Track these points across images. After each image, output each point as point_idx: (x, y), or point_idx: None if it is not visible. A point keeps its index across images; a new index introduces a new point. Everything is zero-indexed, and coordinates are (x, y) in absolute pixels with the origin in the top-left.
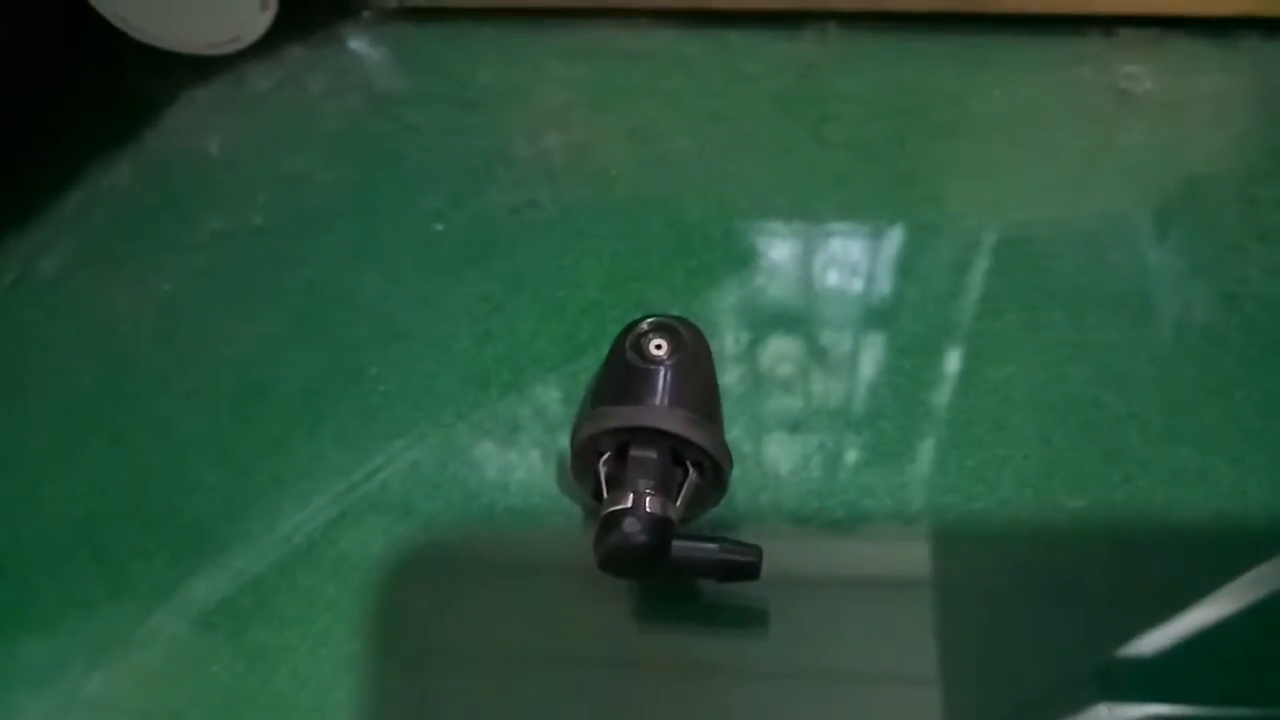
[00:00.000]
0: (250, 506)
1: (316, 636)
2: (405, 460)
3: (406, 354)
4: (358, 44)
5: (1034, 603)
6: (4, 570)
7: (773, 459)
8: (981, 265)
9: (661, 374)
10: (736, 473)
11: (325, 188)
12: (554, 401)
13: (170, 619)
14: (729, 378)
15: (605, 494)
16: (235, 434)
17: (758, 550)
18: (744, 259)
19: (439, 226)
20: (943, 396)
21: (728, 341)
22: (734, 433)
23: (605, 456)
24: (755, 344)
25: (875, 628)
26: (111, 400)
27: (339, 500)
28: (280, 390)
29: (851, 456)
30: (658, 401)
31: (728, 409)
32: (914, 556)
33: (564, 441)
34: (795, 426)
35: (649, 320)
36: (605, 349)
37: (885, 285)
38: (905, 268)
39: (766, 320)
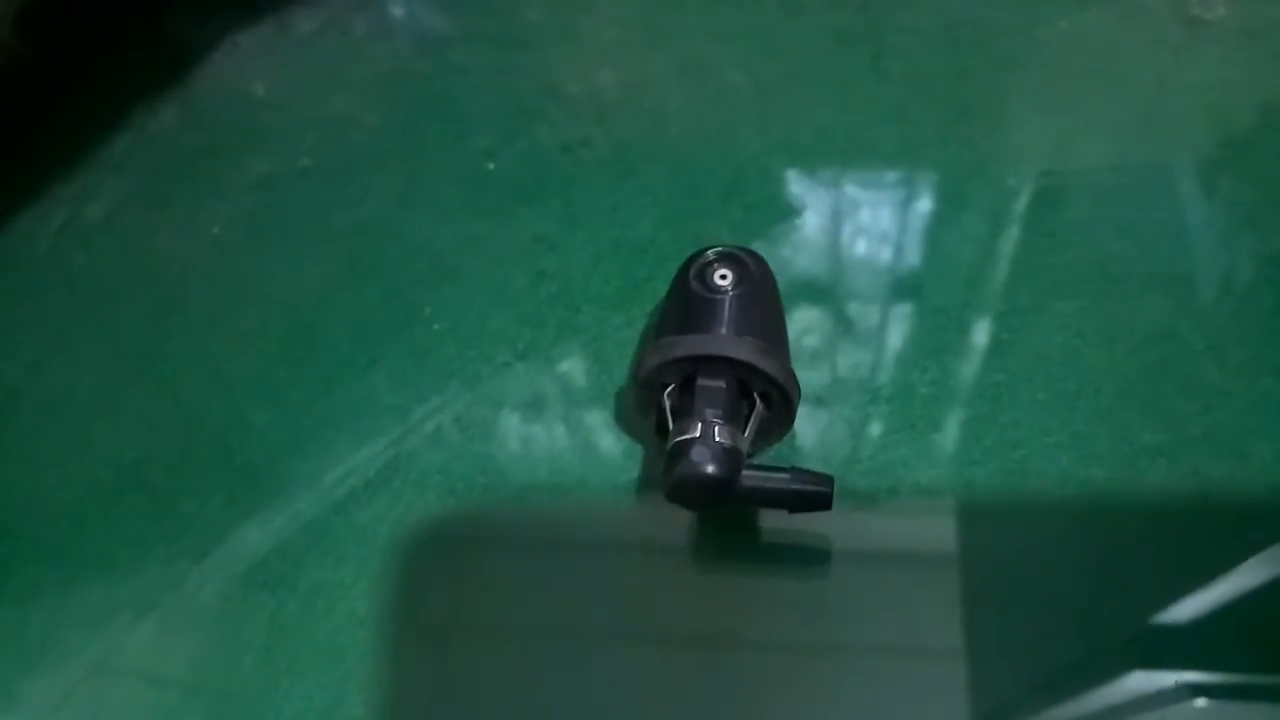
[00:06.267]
0: (303, 447)
1: (373, 575)
2: (460, 400)
3: (460, 294)
4: None
5: (1114, 538)
6: (56, 511)
7: (841, 395)
8: (1048, 199)
9: (727, 303)
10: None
11: (373, 129)
12: (611, 340)
13: (224, 559)
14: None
15: (671, 426)
16: (287, 375)
17: (829, 480)
18: (802, 195)
19: (490, 166)
20: (1012, 331)
21: (787, 276)
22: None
23: (670, 388)
24: (816, 278)
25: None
26: (162, 342)
27: (393, 440)
28: (331, 331)
29: (921, 392)
30: (724, 331)
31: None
32: (987, 489)
33: (622, 380)
34: (855, 366)
35: (714, 250)
36: (662, 287)
37: (949, 220)
38: (969, 202)
39: (827, 255)
